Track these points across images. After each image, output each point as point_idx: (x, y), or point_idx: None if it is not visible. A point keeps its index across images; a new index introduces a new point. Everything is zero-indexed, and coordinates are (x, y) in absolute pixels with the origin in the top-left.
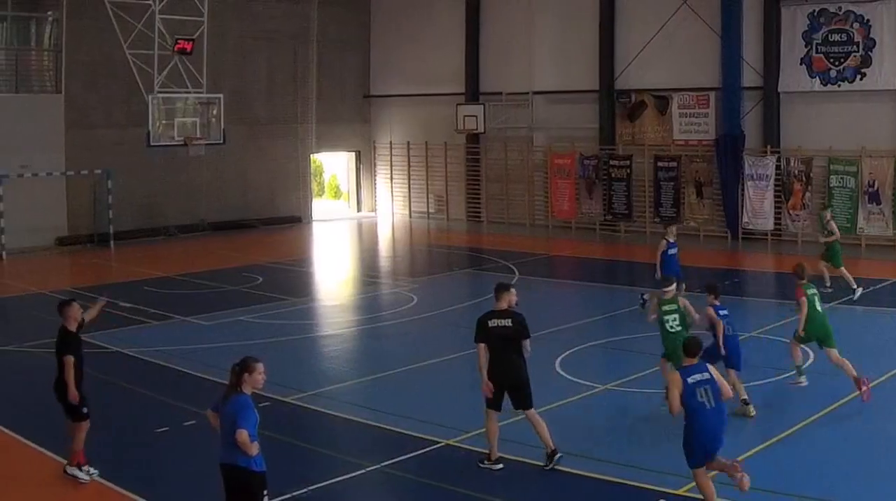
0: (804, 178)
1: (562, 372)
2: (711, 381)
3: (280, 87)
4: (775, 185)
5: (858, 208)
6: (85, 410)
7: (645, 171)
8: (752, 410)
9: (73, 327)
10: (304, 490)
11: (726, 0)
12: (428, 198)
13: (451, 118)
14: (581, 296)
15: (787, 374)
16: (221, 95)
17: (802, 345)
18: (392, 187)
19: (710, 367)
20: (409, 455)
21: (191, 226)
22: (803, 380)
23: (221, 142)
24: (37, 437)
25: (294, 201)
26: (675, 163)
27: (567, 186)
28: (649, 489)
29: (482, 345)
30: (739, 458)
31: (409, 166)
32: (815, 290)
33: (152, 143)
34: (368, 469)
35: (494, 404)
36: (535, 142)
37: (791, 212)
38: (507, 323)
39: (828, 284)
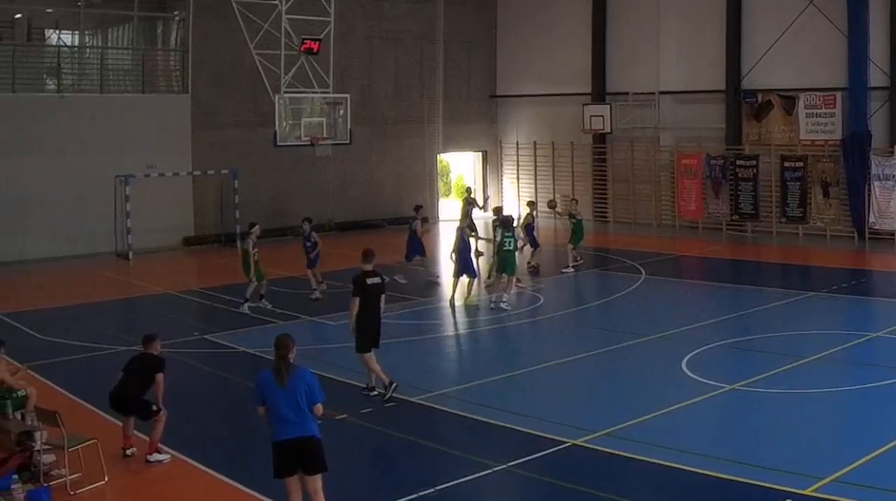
0: None
1: (688, 372)
2: None
3: (406, 87)
4: None
5: None
6: (155, 408)
7: (771, 171)
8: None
9: (156, 353)
10: (431, 489)
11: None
12: (554, 198)
13: (577, 118)
14: (708, 296)
15: None
16: (348, 95)
17: None
18: (519, 187)
19: None
20: (535, 456)
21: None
22: None
23: (348, 142)
24: (170, 438)
25: (421, 201)
26: (801, 164)
27: (694, 186)
28: (776, 489)
29: (357, 299)
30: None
31: (536, 166)
32: None
33: (279, 143)
34: (495, 469)
35: (367, 346)
36: (662, 142)
37: None
38: (378, 280)
39: None
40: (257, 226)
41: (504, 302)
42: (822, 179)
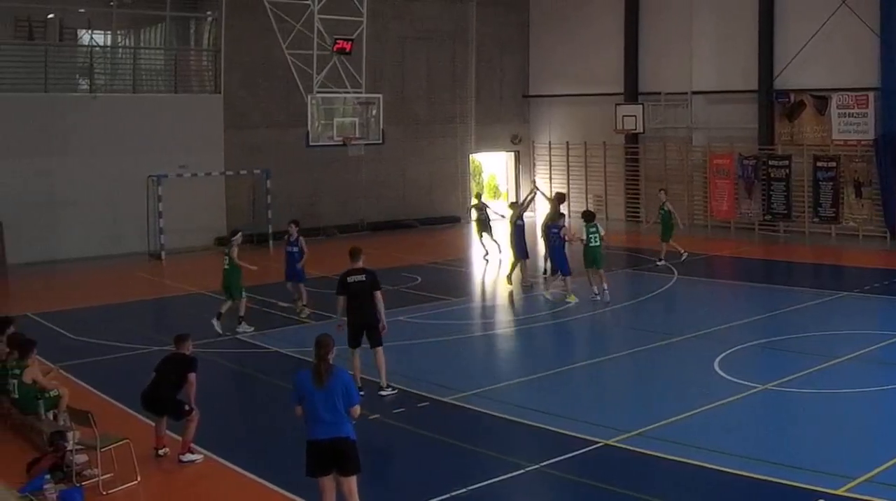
0: None
1: (720, 372)
2: None
3: (439, 87)
4: None
5: None
6: (187, 407)
7: (804, 171)
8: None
9: (188, 353)
10: (463, 489)
11: None
12: (587, 197)
13: (609, 118)
14: (740, 296)
15: None
16: (380, 95)
17: None
18: (551, 187)
19: None
20: (567, 456)
21: (349, 226)
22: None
23: (380, 142)
24: (203, 438)
25: (453, 201)
26: (834, 163)
27: (726, 186)
28: (808, 489)
29: (342, 297)
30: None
31: (568, 166)
32: None
33: (311, 143)
34: (527, 469)
35: (353, 343)
36: (694, 142)
37: None
38: (362, 278)
39: None
40: (239, 234)
41: (598, 295)
42: (855, 179)
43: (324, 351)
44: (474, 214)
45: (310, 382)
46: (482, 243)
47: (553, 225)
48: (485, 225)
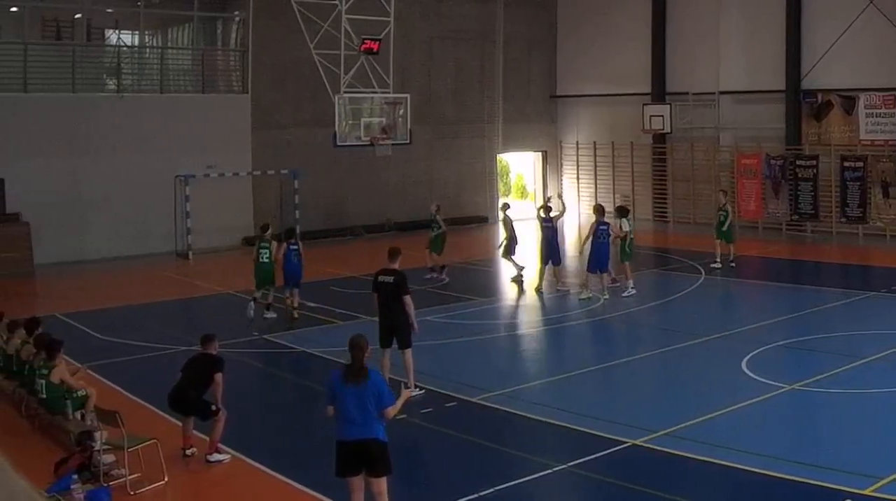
0: None
1: (748, 372)
2: None
3: (466, 87)
4: None
5: None
6: (214, 407)
7: (831, 171)
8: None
9: (215, 353)
10: (491, 489)
11: None
12: (614, 198)
13: (637, 118)
14: (767, 296)
15: None
16: (408, 95)
17: None
18: (578, 187)
19: None
20: (595, 456)
21: (377, 226)
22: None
23: (408, 142)
24: (230, 438)
25: (480, 201)
26: (861, 164)
27: (753, 186)
28: (835, 489)
29: (375, 295)
30: None
31: (596, 166)
32: None
33: (339, 143)
34: (555, 469)
35: (384, 343)
36: (722, 142)
37: None
38: (390, 279)
39: None
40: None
41: (633, 287)
42: (882, 179)
43: (360, 354)
44: (438, 226)
45: (341, 381)
46: (435, 258)
47: (601, 221)
48: (440, 239)
